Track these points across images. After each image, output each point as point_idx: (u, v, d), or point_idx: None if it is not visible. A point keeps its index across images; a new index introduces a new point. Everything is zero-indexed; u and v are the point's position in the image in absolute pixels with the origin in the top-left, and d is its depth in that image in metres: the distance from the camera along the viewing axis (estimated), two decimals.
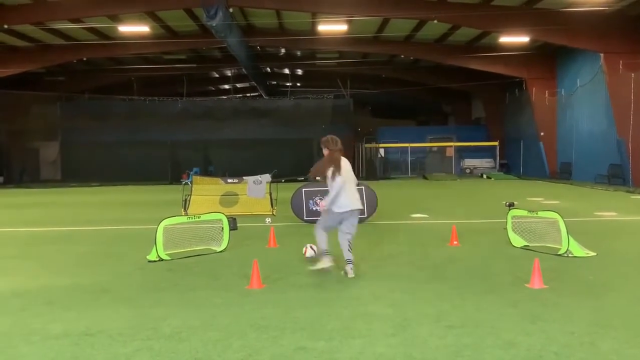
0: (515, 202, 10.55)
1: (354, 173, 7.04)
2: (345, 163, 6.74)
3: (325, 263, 6.83)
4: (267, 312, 5.23)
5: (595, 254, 7.79)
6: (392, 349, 4.23)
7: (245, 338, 4.52)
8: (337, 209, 6.60)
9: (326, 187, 7.39)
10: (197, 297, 5.87)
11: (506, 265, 7.25)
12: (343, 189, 6.56)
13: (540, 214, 8.21)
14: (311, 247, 7.58)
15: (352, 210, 6.65)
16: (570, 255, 7.65)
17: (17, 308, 5.52)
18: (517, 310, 5.21)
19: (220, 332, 4.69)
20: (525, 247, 8.31)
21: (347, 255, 6.68)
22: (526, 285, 6.10)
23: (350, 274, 6.60)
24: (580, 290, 5.93)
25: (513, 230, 8.68)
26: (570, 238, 7.73)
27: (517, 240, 8.56)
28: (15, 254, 8.71)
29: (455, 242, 8.86)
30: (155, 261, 7.67)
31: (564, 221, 7.74)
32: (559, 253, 7.72)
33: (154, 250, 7.81)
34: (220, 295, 5.92)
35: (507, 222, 8.73)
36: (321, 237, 6.81)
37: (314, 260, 7.23)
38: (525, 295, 5.74)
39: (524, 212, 8.59)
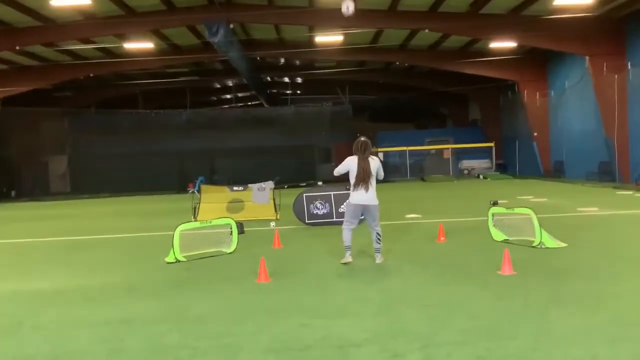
0: (499, 201, 11.49)
1: None
2: (367, 164, 7.74)
3: (347, 258, 7.92)
4: (275, 299, 6.19)
5: (566, 244, 8.71)
6: (377, 324, 5.18)
7: (257, 318, 5.47)
8: (351, 200, 7.89)
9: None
10: (213, 289, 6.83)
11: (484, 256, 8.18)
12: (356, 185, 7.73)
13: (516, 210, 9.14)
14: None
15: (365, 205, 7.80)
16: (542, 246, 8.57)
17: (61, 303, 6.47)
18: (485, 292, 6.15)
19: (235, 314, 5.64)
20: (505, 241, 9.22)
21: (375, 245, 7.97)
22: (498, 272, 7.03)
23: (378, 260, 7.90)
24: (545, 275, 6.86)
25: (494, 226, 9.61)
26: (543, 231, 8.65)
27: (498, 235, 9.48)
28: (46, 260, 9.68)
29: (442, 239, 9.78)
30: (172, 262, 8.61)
31: (537, 216, 8.67)
32: (533, 245, 8.64)
33: (171, 252, 8.76)
34: (233, 287, 6.88)
35: (488, 219, 9.66)
36: (346, 235, 7.96)
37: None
38: (495, 280, 6.69)
39: (502, 209, 9.54)
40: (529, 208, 8.86)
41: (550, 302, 5.63)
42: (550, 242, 8.64)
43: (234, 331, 5.11)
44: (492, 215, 9.61)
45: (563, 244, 8.71)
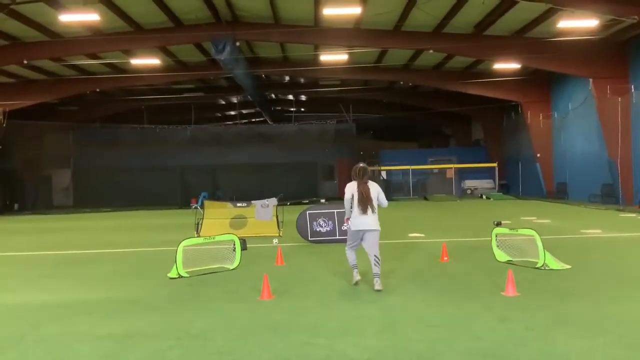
0: (502, 221, 11.46)
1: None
2: (367, 189, 7.58)
3: (355, 277, 7.75)
4: (277, 317, 6.18)
5: (569, 267, 8.69)
6: (379, 342, 5.17)
7: (259, 336, 5.46)
8: (352, 227, 7.66)
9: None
10: (216, 306, 6.82)
11: (487, 277, 8.16)
12: (355, 211, 7.55)
13: (520, 231, 9.13)
14: None
15: (364, 230, 7.56)
16: (546, 268, 8.55)
17: (63, 316, 6.47)
18: (489, 313, 6.13)
19: (238, 332, 5.63)
20: (508, 262, 9.20)
21: (373, 269, 7.53)
22: (501, 293, 7.01)
23: (376, 287, 7.37)
24: (548, 297, 6.83)
25: (497, 246, 9.59)
26: (547, 253, 8.63)
27: (501, 256, 9.47)
28: (49, 273, 9.68)
29: (445, 258, 9.77)
30: (175, 278, 8.61)
31: (541, 238, 8.67)
32: (537, 266, 8.63)
33: (174, 268, 8.76)
34: (235, 304, 6.87)
35: (492, 239, 9.65)
36: (350, 255, 7.85)
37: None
38: (499, 301, 6.67)
39: (505, 230, 9.53)
40: (533, 229, 8.86)
41: (553, 324, 5.61)
42: (554, 263, 8.62)
43: (236, 348, 5.10)
44: (496, 236, 9.60)
45: (567, 266, 8.69)
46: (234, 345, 5.20)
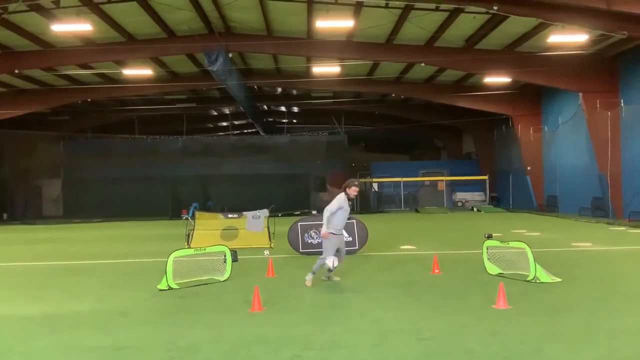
0: (493, 234, 11.50)
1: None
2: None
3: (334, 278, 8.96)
4: (268, 330, 6.13)
5: (560, 280, 8.70)
6: (372, 356, 5.14)
7: (250, 349, 5.41)
8: (337, 235, 8.79)
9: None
10: (206, 318, 6.76)
11: (479, 289, 8.16)
12: (340, 224, 8.84)
13: (511, 244, 9.15)
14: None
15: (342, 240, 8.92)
16: (537, 281, 8.56)
17: (52, 328, 6.38)
18: (481, 326, 6.11)
19: (228, 345, 5.58)
20: (499, 275, 9.20)
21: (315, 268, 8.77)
22: (493, 306, 7.00)
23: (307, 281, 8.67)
24: (539, 310, 6.84)
25: (488, 259, 9.60)
26: (538, 265, 8.65)
27: (492, 268, 9.47)
28: (38, 284, 9.57)
29: (436, 271, 9.76)
30: (165, 290, 8.53)
31: (532, 251, 8.69)
32: (528, 279, 8.63)
33: (164, 279, 8.68)
34: (226, 316, 6.81)
35: (483, 252, 9.66)
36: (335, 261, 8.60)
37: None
38: (490, 314, 6.66)
39: (497, 243, 9.55)
40: (524, 242, 8.87)
41: (545, 338, 5.61)
42: (545, 276, 8.63)
43: None
44: (487, 249, 9.61)
45: (557, 279, 8.70)
46: (225, 358, 5.16)
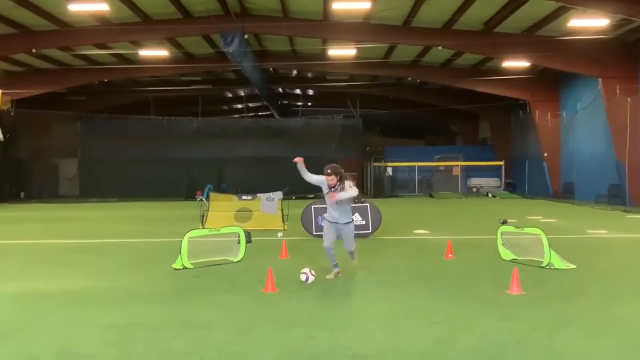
0: (508, 220, 11.44)
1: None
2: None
3: (332, 274, 7.97)
4: (281, 310, 6.18)
5: (575, 266, 8.64)
6: (383, 337, 5.16)
7: (263, 329, 5.46)
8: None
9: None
10: (220, 298, 6.82)
11: (492, 275, 8.14)
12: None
13: (526, 230, 9.09)
14: (307, 273, 7.60)
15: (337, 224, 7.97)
16: (551, 267, 8.51)
17: (67, 305, 6.48)
18: (493, 311, 6.10)
19: (242, 324, 5.63)
20: (513, 260, 9.17)
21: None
22: (506, 291, 6.99)
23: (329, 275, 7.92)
24: (553, 297, 6.81)
25: (503, 244, 9.56)
26: (552, 252, 8.59)
27: (507, 254, 9.43)
28: (56, 261, 9.71)
29: (450, 255, 9.74)
30: (180, 269, 8.62)
31: (546, 237, 8.63)
32: (542, 265, 8.59)
33: (179, 259, 8.77)
34: (239, 296, 6.88)
35: (497, 237, 9.61)
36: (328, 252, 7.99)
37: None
38: (503, 299, 6.64)
39: (511, 229, 9.50)
40: (539, 228, 8.81)
41: (558, 324, 5.59)
42: (560, 263, 8.58)
43: (240, 340, 5.11)
44: (501, 234, 9.56)
45: (572, 266, 8.65)
46: (238, 336, 5.21)
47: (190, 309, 6.23)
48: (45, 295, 6.99)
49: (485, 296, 6.83)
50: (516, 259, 9.15)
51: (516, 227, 9.46)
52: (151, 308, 6.33)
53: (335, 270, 8.01)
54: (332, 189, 7.75)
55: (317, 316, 5.95)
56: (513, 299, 6.66)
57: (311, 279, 7.46)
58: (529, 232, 8.99)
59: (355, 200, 9.11)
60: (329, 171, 7.79)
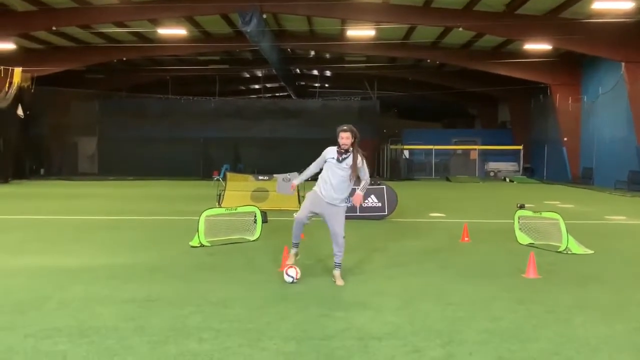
0: (525, 204, 11.35)
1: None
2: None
3: (292, 257, 6.86)
4: (296, 289, 6.23)
5: (592, 251, 8.58)
6: (397, 318, 5.18)
7: (278, 307, 5.51)
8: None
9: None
10: (236, 276, 6.89)
11: (509, 258, 8.11)
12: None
13: (544, 214, 9.02)
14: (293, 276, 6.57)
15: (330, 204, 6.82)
16: (569, 252, 8.46)
17: (87, 280, 6.59)
18: (509, 294, 6.09)
19: (257, 301, 5.69)
20: (530, 245, 9.12)
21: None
22: (522, 275, 6.96)
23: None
24: (570, 281, 6.77)
25: (520, 229, 9.50)
26: (570, 237, 8.53)
27: (523, 238, 9.38)
28: (74, 238, 9.86)
29: (466, 239, 9.71)
30: (196, 247, 8.71)
31: (564, 221, 8.56)
32: (559, 250, 8.53)
33: (196, 237, 8.86)
34: (255, 275, 6.94)
35: (514, 221, 9.56)
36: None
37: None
38: (519, 283, 6.62)
39: (529, 213, 9.43)
40: (557, 213, 8.74)
41: (574, 308, 5.56)
42: (577, 248, 8.52)
43: (255, 317, 5.16)
44: (519, 219, 9.50)
45: (589, 251, 8.58)
46: (253, 314, 5.26)
47: (207, 286, 6.30)
48: (65, 269, 7.11)
49: (501, 279, 6.81)
50: (533, 244, 9.10)
51: (534, 212, 9.39)
52: (169, 284, 6.41)
53: (294, 250, 6.88)
54: (343, 156, 6.51)
55: (331, 296, 5.98)
56: (529, 283, 6.64)
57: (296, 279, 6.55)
58: (547, 217, 8.92)
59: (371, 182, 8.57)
60: (345, 127, 6.55)
